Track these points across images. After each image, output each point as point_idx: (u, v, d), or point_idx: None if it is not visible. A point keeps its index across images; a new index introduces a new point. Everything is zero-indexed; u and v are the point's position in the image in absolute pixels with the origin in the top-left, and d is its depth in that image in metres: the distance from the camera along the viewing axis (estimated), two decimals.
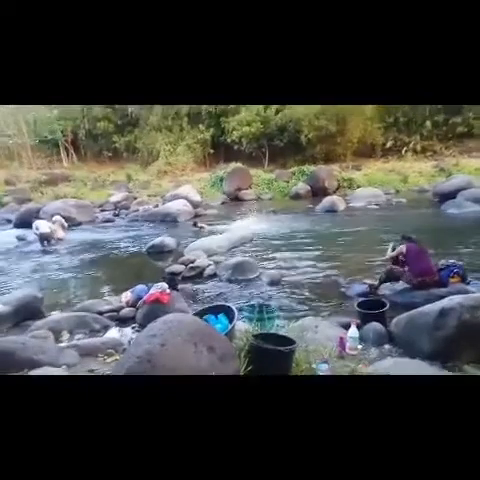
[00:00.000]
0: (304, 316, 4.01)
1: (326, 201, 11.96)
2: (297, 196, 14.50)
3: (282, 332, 2.84)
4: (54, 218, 9.83)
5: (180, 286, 5.18)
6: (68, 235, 9.86)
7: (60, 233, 9.58)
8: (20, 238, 9.93)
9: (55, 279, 6.57)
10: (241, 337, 2.72)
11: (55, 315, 4.42)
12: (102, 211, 13.73)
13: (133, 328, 4.26)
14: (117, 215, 13.09)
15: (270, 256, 7.03)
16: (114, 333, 4.15)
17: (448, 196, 10.92)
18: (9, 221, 12.34)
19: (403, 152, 17.91)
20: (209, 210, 12.93)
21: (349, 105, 14.82)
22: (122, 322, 4.48)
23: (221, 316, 2.99)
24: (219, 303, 3.60)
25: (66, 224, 10.06)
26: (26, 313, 4.49)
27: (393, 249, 4.79)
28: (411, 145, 17.90)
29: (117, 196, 14.93)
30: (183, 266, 6.43)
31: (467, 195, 10.56)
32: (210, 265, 6.38)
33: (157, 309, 4.02)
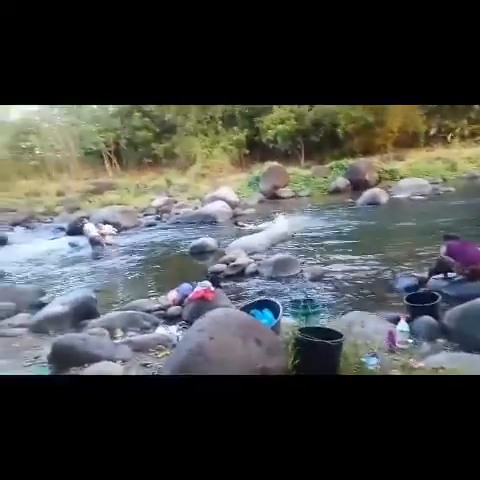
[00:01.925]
0: (350, 311, 3.93)
1: (367, 194, 11.55)
2: (336, 191, 14.17)
3: (328, 326, 2.82)
4: (100, 226, 10.40)
5: (223, 284, 5.28)
6: (117, 240, 10.37)
7: (109, 239, 10.12)
8: (72, 244, 10.58)
9: (107, 281, 6.93)
10: (287, 331, 2.73)
11: (109, 313, 4.66)
12: (145, 215, 14.18)
13: (180, 325, 4.40)
14: (159, 219, 13.45)
15: (311, 251, 6.95)
16: (162, 330, 4.32)
17: None
18: (62, 229, 13.16)
19: (449, 139, 16.89)
20: (247, 210, 12.99)
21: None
22: (169, 320, 4.64)
23: (266, 311, 3.01)
24: (263, 298, 3.63)
25: (113, 230, 10.58)
26: (83, 313, 4.77)
27: None
28: (458, 130, 16.84)
29: (158, 200, 15.38)
30: (225, 265, 6.54)
31: None
32: (251, 263, 6.44)
33: (202, 306, 4.14)
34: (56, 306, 4.71)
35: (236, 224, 10.32)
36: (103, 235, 9.91)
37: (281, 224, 8.95)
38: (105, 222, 11.04)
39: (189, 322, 4.05)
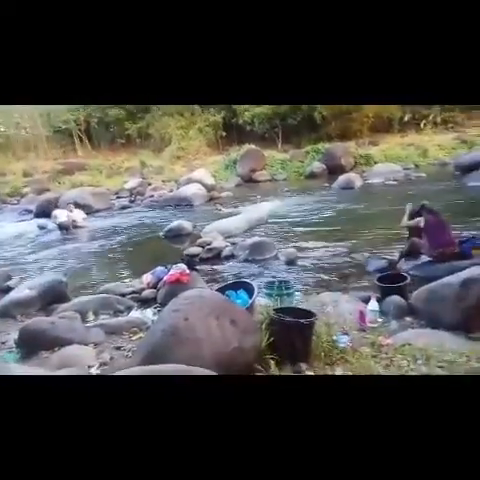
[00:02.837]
0: (323, 292, 4.02)
1: (342, 179, 11.73)
2: (313, 175, 14.26)
3: (302, 306, 2.89)
4: (68, 206, 10.11)
5: (199, 267, 5.27)
6: (88, 222, 10.08)
7: (79, 221, 9.84)
8: (41, 227, 10.19)
9: (79, 264, 6.76)
10: (261, 311, 2.77)
11: (81, 297, 4.56)
12: (118, 198, 13.85)
13: (155, 308, 4.37)
14: (133, 201, 13.18)
15: (287, 235, 7.01)
16: (137, 313, 4.28)
17: (470, 168, 10.54)
18: (29, 211, 12.62)
19: (422, 125, 17.28)
20: (223, 193, 12.90)
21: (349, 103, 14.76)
22: (144, 303, 4.60)
23: (241, 292, 3.04)
24: (238, 280, 3.65)
25: (80, 211, 10.26)
26: (51, 297, 4.61)
27: (410, 214, 4.69)
28: (430, 117, 17.23)
29: (132, 182, 14.99)
30: (200, 248, 6.51)
31: None
32: (227, 246, 6.43)
33: (178, 289, 4.09)
34: (23, 290, 4.56)
35: (216, 206, 10.26)
36: (73, 220, 9.64)
37: (259, 208, 8.95)
38: (76, 204, 10.67)
39: (164, 305, 4.01)
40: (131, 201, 13.24)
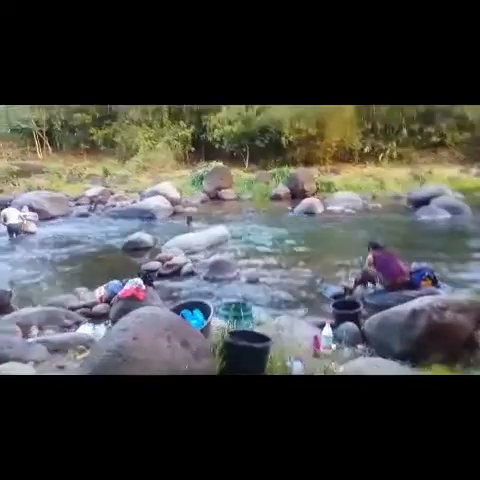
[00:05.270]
0: (281, 315, 4.03)
1: (304, 203, 12.10)
2: (277, 197, 14.58)
3: (258, 330, 2.87)
4: (23, 209, 9.59)
5: (156, 283, 5.11)
6: (40, 228, 9.58)
7: (31, 227, 9.31)
8: None
9: (26, 273, 6.35)
10: (217, 334, 2.73)
11: (24, 310, 4.27)
12: (77, 205, 13.35)
13: (106, 325, 4.16)
14: (93, 210, 12.78)
15: (249, 256, 7.05)
16: (87, 329, 4.04)
17: (422, 203, 11.31)
18: None
19: (380, 158, 18.41)
20: (188, 208, 12.81)
21: (333, 107, 15.38)
22: (95, 318, 4.37)
23: (197, 312, 2.97)
24: (195, 299, 3.58)
25: (34, 216, 9.80)
26: None
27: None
28: (387, 152, 18.43)
29: (93, 190, 14.50)
30: (160, 263, 6.35)
31: (439, 202, 10.97)
32: (188, 263, 6.33)
33: (132, 306, 3.93)
34: None
35: (189, 220, 10.10)
36: (25, 223, 9.09)
37: (221, 227, 8.92)
38: (30, 208, 10.21)
39: (115, 322, 3.83)
40: (91, 209, 12.81)
